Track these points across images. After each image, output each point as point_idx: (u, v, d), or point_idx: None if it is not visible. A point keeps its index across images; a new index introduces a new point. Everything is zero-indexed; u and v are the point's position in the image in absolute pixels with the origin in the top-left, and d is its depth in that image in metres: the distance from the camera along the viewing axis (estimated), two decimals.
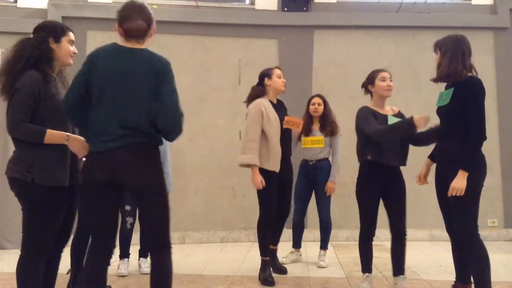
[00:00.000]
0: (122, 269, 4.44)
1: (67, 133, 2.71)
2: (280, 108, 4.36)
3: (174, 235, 6.26)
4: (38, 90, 2.66)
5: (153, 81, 2.51)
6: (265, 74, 4.35)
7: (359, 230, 3.77)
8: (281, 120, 4.23)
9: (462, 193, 3.08)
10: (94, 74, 2.54)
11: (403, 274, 3.70)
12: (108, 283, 4.05)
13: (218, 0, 6.63)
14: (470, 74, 3.26)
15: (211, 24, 6.35)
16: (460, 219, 3.17)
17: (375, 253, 3.85)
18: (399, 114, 3.82)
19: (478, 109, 3.12)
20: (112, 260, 2.72)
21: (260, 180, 4.08)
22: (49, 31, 2.80)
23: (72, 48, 2.88)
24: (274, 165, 4.13)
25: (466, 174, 3.09)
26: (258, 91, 4.33)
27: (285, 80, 4.39)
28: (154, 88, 2.51)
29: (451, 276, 3.67)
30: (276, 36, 6.46)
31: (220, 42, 6.44)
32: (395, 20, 6.50)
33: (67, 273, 3.79)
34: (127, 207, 4.61)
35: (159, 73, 2.53)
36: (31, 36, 2.83)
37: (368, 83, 3.85)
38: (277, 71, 4.35)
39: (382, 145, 3.61)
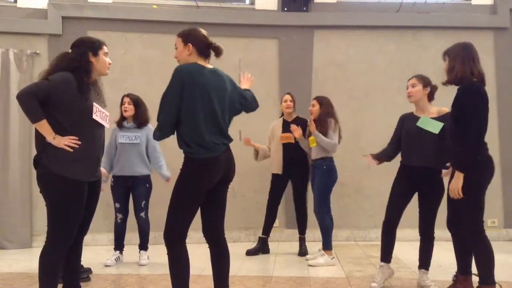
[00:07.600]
0: (109, 260, 4.76)
1: (55, 135, 2.84)
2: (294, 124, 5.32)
3: None
4: (65, 88, 2.84)
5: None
6: (282, 100, 5.53)
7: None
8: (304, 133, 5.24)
9: (459, 192, 3.24)
10: (191, 92, 2.92)
11: (426, 269, 3.91)
12: (108, 282, 4.08)
13: (218, 0, 6.63)
14: (475, 79, 3.32)
15: (211, 24, 6.33)
16: (465, 216, 3.34)
17: (376, 254, 3.86)
18: (440, 118, 3.81)
19: (476, 115, 3.21)
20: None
21: None
22: (87, 46, 3.06)
23: (108, 59, 3.15)
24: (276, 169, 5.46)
25: (461, 175, 3.24)
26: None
27: (291, 104, 5.43)
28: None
29: (451, 276, 3.68)
30: (276, 36, 6.46)
31: (220, 42, 6.35)
32: (395, 20, 6.50)
33: None
34: (117, 205, 4.91)
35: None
36: (69, 51, 3.07)
37: None
38: (285, 97, 5.49)
39: (410, 146, 3.84)
